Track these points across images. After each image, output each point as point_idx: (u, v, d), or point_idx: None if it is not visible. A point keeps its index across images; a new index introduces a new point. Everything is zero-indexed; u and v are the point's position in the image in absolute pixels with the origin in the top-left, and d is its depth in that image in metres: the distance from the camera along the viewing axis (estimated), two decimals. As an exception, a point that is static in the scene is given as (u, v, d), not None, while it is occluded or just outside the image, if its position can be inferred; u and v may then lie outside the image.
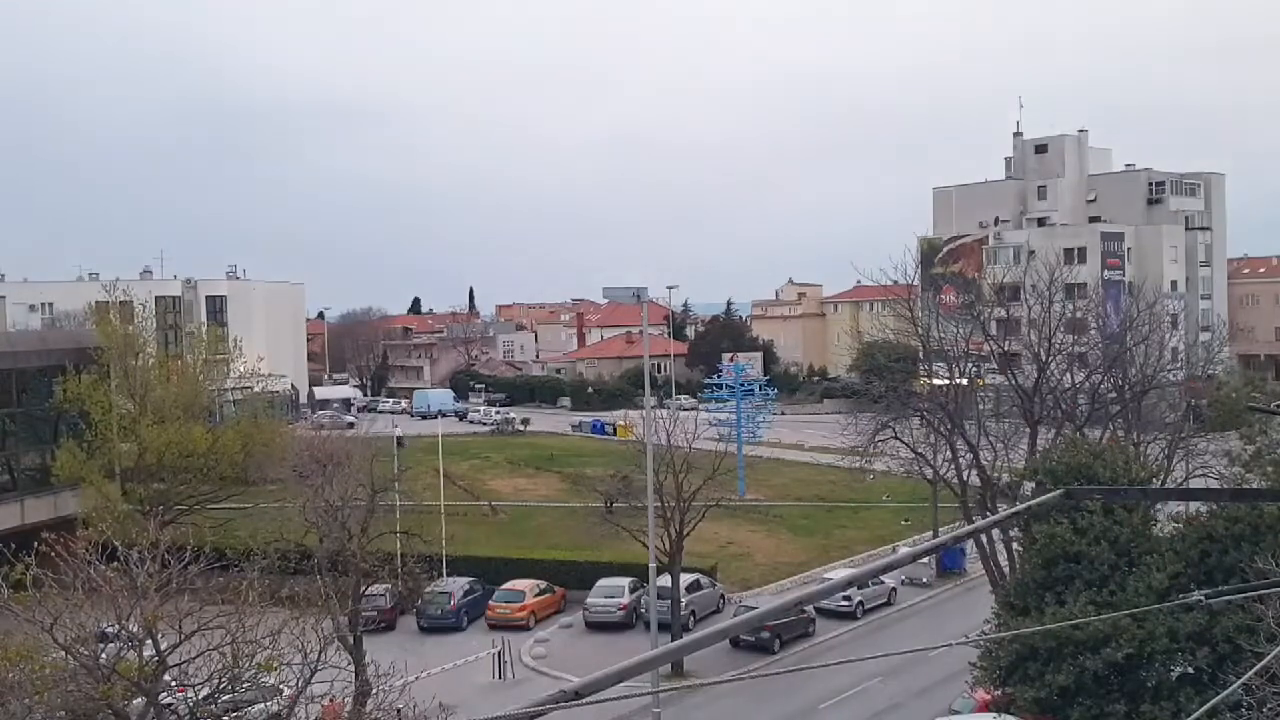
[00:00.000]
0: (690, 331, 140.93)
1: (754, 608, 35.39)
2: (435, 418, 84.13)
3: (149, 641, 21.73)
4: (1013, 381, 45.29)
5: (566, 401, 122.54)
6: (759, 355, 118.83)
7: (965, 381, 45.59)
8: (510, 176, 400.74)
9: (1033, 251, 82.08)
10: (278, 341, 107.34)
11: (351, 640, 32.04)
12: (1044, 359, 44.32)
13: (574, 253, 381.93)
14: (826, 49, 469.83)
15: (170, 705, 22.48)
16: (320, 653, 23.02)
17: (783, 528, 60.99)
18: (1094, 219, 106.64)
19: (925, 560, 50.10)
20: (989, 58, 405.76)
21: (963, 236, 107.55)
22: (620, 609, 46.84)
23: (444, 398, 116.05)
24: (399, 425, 67.16)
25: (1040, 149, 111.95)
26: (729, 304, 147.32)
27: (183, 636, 21.73)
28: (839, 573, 47.44)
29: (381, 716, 25.64)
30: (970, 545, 46.73)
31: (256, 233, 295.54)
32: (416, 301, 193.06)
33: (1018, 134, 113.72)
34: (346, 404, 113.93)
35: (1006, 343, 49.02)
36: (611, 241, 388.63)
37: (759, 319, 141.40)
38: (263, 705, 24.44)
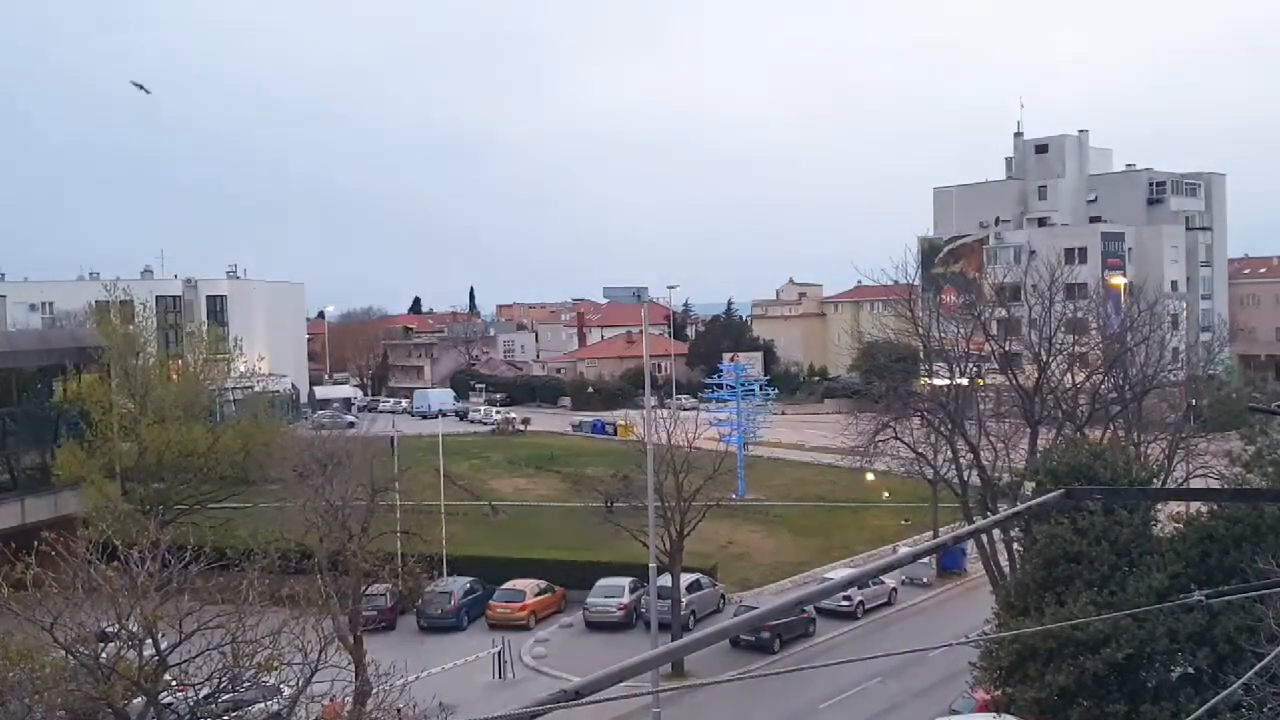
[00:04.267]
0: (690, 331, 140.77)
1: (754, 608, 35.43)
2: (435, 417, 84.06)
3: (149, 641, 21.74)
4: (1013, 381, 45.26)
5: (567, 401, 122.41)
6: (759, 355, 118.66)
7: (965, 381, 45.57)
8: (511, 176, 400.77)
9: (1033, 252, 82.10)
10: (278, 341, 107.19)
11: (351, 640, 32.05)
12: (1044, 359, 44.31)
13: (574, 252, 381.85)
14: (828, 47, 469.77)
15: (170, 705, 22.48)
16: (320, 652, 23.00)
17: (783, 528, 60.98)
18: (1094, 219, 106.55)
19: (925, 560, 50.05)
20: (991, 56, 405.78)
21: (963, 236, 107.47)
22: (620, 609, 46.82)
23: (444, 397, 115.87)
24: (398, 427, 66.82)
25: (1040, 149, 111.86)
26: (729, 304, 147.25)
27: (183, 636, 21.73)
28: (839, 573, 47.45)
29: (381, 716, 25.63)
30: (970, 545, 46.72)
31: (257, 232, 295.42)
32: (417, 301, 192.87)
33: (1018, 134, 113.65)
34: (347, 404, 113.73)
35: (1007, 343, 48.98)
36: (612, 240, 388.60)
37: (759, 319, 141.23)
38: (263, 705, 24.44)
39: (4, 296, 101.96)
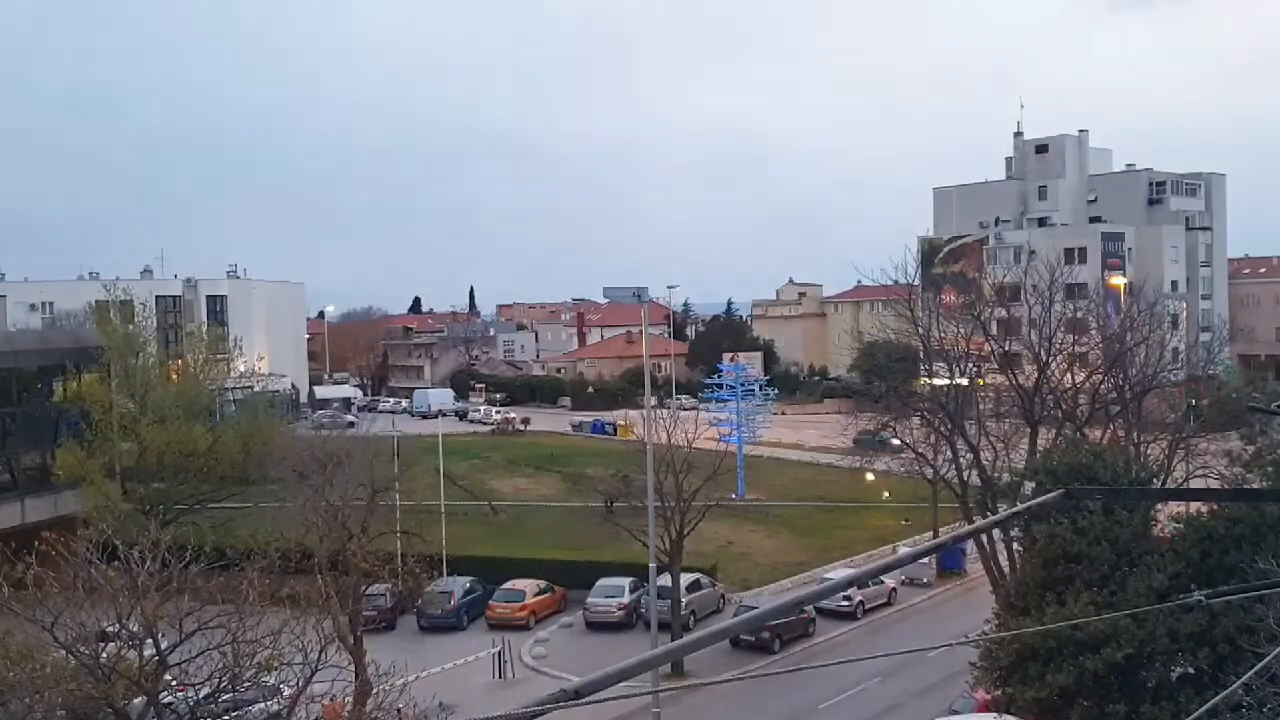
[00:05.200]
0: (690, 331, 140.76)
1: (754, 608, 35.44)
2: (435, 417, 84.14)
3: (149, 641, 21.76)
4: (1013, 381, 45.26)
5: (567, 401, 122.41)
6: (759, 355, 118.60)
7: (965, 381, 45.58)
8: (510, 176, 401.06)
9: (1033, 252, 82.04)
10: (278, 341, 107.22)
11: (351, 640, 32.04)
12: (1044, 359, 44.31)
13: (574, 252, 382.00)
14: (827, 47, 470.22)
15: (170, 704, 22.49)
16: (320, 652, 23.03)
17: (783, 528, 60.95)
18: (1094, 219, 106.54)
19: (925, 560, 50.05)
20: (992, 57, 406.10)
21: (963, 236, 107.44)
22: (620, 609, 46.81)
23: (444, 397, 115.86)
24: (398, 427, 66.80)
25: (1041, 149, 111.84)
26: (729, 304, 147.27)
27: (183, 636, 21.76)
28: (839, 573, 47.45)
29: (381, 716, 25.66)
30: (970, 545, 46.71)
31: (257, 232, 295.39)
32: (417, 301, 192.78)
33: (1018, 134, 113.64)
34: (347, 403, 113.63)
35: (1007, 343, 48.98)
36: (612, 241, 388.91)
37: (759, 319, 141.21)
38: (263, 705, 24.46)
39: (4, 296, 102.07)
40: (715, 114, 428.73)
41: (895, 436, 45.70)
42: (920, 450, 45.24)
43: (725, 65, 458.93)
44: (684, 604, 42.88)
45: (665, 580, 41.16)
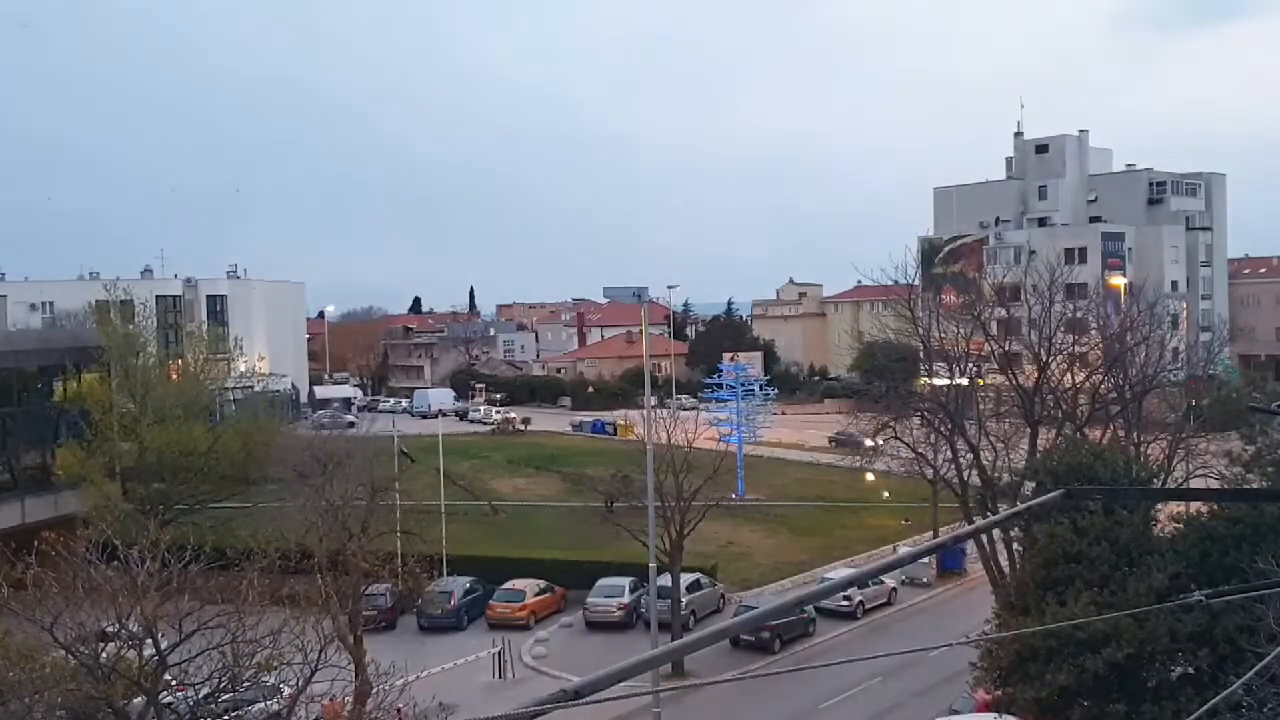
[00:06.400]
0: (691, 331, 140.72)
1: (754, 608, 35.44)
2: (435, 417, 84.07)
3: (149, 641, 21.76)
4: (1013, 381, 45.26)
5: (567, 401, 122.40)
6: (759, 355, 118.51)
7: (965, 381, 45.57)
8: (508, 175, 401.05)
9: (1033, 252, 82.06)
10: (278, 341, 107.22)
11: (351, 640, 32.06)
12: (1044, 359, 44.31)
13: (575, 252, 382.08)
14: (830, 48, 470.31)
15: (170, 704, 22.49)
16: (320, 652, 23.03)
17: (783, 528, 60.95)
18: (1095, 219, 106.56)
19: (925, 560, 50.05)
20: (992, 56, 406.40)
21: (963, 236, 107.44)
22: (620, 609, 46.81)
23: (444, 397, 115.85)
24: (398, 427, 66.75)
25: (1041, 149, 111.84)
26: (729, 304, 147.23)
27: (183, 636, 21.77)
28: (839, 573, 47.44)
29: (381, 716, 25.66)
30: (970, 545, 46.73)
31: (257, 232, 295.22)
32: (417, 301, 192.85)
33: (1018, 134, 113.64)
34: (347, 403, 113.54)
35: (1007, 343, 48.97)
36: (613, 241, 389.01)
37: (759, 319, 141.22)
38: (263, 705, 24.47)
39: (4, 296, 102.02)
40: (717, 117, 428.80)
41: (892, 432, 45.63)
42: (920, 450, 45.25)
43: (726, 70, 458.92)
44: (684, 604, 42.87)
45: (665, 580, 41.16)
